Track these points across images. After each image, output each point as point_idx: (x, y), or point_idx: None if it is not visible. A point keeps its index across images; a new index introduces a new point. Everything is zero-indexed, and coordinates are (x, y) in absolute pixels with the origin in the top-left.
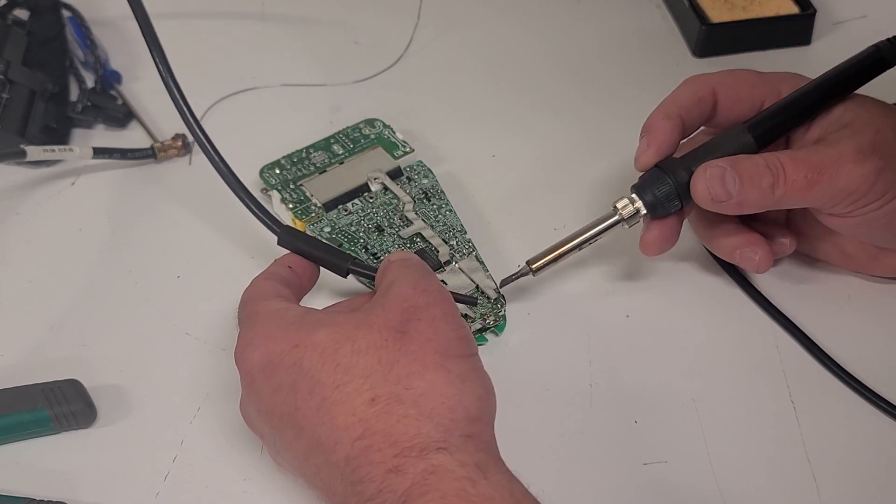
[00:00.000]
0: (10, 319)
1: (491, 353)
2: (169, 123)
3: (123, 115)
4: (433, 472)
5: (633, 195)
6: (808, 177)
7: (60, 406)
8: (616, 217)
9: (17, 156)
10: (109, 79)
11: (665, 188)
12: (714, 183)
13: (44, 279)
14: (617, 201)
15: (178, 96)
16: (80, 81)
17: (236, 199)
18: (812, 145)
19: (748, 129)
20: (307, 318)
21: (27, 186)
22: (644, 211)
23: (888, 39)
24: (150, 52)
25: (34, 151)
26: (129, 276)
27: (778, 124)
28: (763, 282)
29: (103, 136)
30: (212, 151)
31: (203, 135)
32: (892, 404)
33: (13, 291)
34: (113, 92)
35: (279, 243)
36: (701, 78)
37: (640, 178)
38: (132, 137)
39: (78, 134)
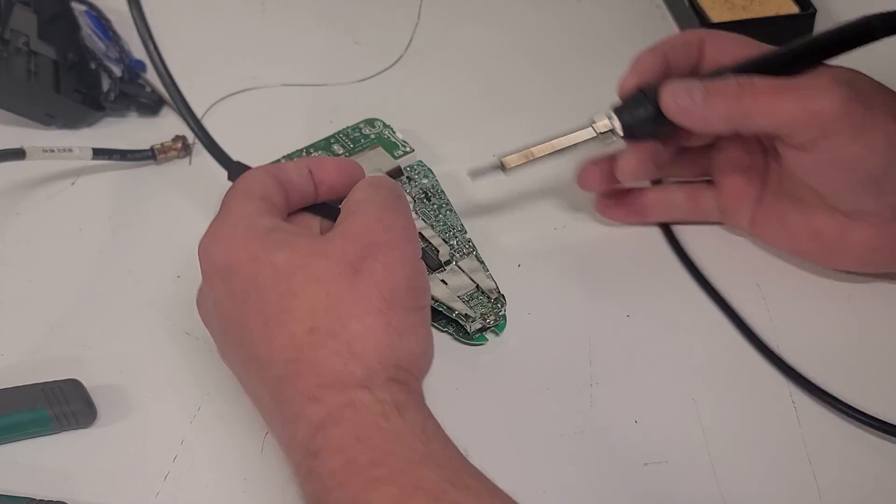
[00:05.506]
0: (10, 319)
1: (491, 353)
2: (171, 123)
3: (154, 103)
4: (350, 405)
5: (611, 113)
6: (778, 90)
7: (60, 406)
8: (590, 131)
9: (16, 156)
10: (135, 68)
11: (642, 110)
12: (680, 91)
13: (44, 279)
14: (594, 116)
15: (177, 95)
16: (109, 72)
17: None
18: None
19: (730, 71)
20: (272, 235)
21: (27, 186)
22: (619, 130)
23: (881, 14)
24: (147, 50)
25: (33, 152)
26: (129, 276)
27: (759, 72)
28: (764, 282)
29: (137, 124)
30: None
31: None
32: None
33: (13, 291)
34: (140, 81)
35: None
36: (694, 30)
37: (621, 100)
38: (165, 125)
39: (110, 122)
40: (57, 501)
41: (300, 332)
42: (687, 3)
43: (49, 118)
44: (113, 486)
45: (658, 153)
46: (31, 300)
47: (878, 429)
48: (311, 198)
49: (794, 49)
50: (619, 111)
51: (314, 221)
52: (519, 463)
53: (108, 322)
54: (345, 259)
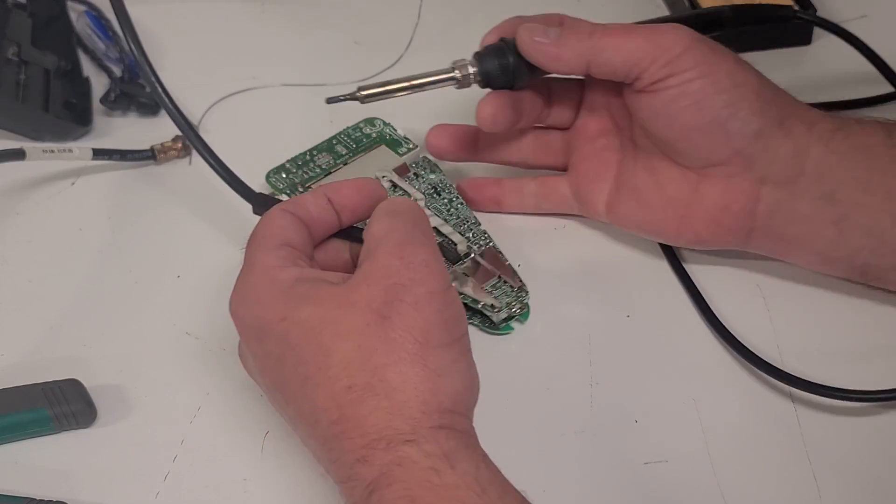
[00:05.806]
0: (10, 319)
1: (491, 354)
2: (171, 123)
3: (154, 103)
4: (399, 463)
5: (472, 59)
6: (629, 28)
7: (60, 406)
8: (450, 74)
9: (16, 156)
10: (134, 68)
11: (500, 57)
12: (536, 28)
13: (44, 279)
14: (455, 61)
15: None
16: (109, 72)
17: (236, 198)
18: None
19: None
20: (296, 288)
21: (27, 186)
22: (477, 74)
23: (732, 6)
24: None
25: (33, 152)
26: (129, 276)
27: None
28: (764, 282)
29: (137, 124)
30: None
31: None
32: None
33: (13, 291)
34: (140, 81)
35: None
36: (556, 12)
37: (482, 49)
38: (165, 125)
39: (110, 122)
40: (57, 501)
41: (339, 391)
42: (687, 3)
43: (36, 133)
44: (113, 486)
45: (517, 101)
46: (31, 300)
47: (880, 400)
48: (335, 226)
49: (652, 23)
50: (478, 56)
51: (343, 248)
52: (519, 462)
53: (108, 322)
54: (371, 307)
